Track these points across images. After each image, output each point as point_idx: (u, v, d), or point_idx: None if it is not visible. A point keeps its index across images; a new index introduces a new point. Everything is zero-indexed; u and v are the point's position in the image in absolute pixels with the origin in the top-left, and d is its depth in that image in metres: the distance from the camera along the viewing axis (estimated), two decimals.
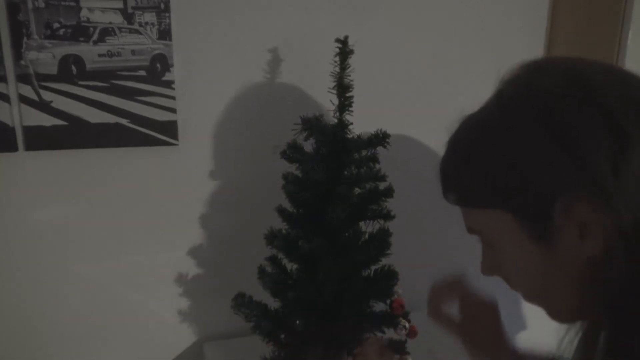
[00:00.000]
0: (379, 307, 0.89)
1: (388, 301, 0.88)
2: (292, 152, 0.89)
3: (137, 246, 1.12)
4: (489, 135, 0.53)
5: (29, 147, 0.99)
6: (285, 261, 0.92)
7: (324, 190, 0.85)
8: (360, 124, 0.91)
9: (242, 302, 0.89)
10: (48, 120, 0.99)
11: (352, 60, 0.84)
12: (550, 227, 0.49)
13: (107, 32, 0.99)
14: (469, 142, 0.55)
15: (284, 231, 0.89)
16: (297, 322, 0.71)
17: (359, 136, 0.88)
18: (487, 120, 0.54)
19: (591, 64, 0.51)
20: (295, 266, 0.90)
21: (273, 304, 0.89)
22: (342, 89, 0.85)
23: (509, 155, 0.50)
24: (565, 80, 0.50)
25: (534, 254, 0.51)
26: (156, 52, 1.02)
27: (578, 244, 0.48)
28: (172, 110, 1.06)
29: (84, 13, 0.97)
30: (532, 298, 0.57)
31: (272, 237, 0.89)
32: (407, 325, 0.87)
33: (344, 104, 0.86)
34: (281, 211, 0.90)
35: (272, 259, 0.92)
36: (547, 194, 0.48)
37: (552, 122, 0.48)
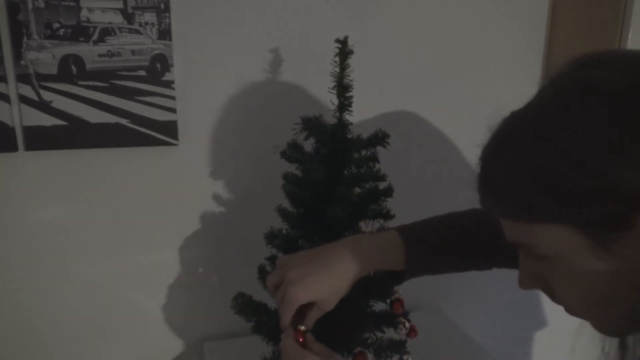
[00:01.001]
0: (379, 306, 0.89)
1: (388, 301, 0.88)
2: (292, 152, 0.89)
3: (137, 246, 1.12)
4: (555, 137, 0.44)
5: (29, 147, 0.99)
6: None
7: (324, 190, 0.85)
8: (361, 123, 0.91)
9: (242, 302, 0.88)
10: (48, 120, 0.99)
11: (352, 60, 0.84)
12: (624, 240, 0.43)
13: (107, 32, 0.99)
14: (526, 146, 0.46)
15: (284, 231, 0.89)
16: None
17: (358, 136, 0.88)
18: (548, 120, 0.46)
19: None
20: None
21: (273, 304, 0.88)
22: (342, 89, 0.85)
23: (582, 159, 0.43)
24: (632, 72, 0.44)
25: (598, 268, 0.45)
26: (156, 52, 1.02)
27: None
28: (172, 110, 1.06)
29: (84, 13, 0.97)
30: (581, 312, 0.51)
31: (272, 237, 0.89)
32: (407, 325, 0.87)
33: (344, 104, 0.86)
34: (281, 211, 0.90)
35: (272, 259, 0.92)
36: (629, 202, 0.41)
37: (629, 118, 0.41)
